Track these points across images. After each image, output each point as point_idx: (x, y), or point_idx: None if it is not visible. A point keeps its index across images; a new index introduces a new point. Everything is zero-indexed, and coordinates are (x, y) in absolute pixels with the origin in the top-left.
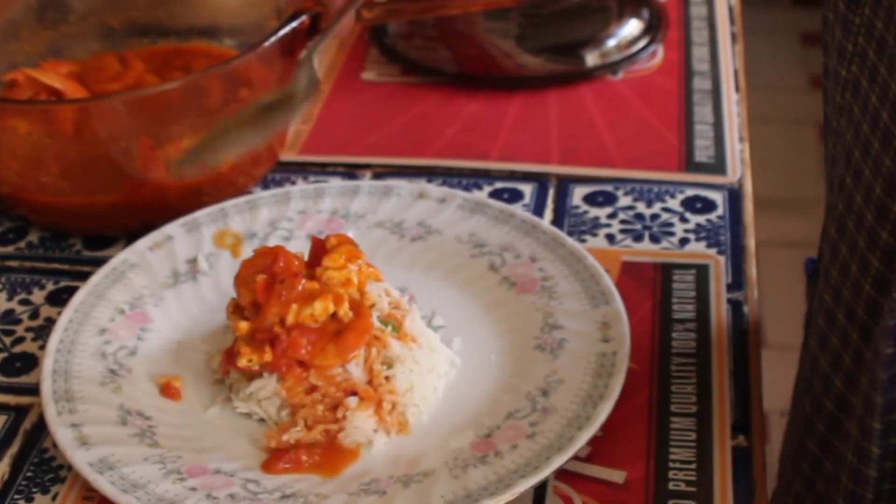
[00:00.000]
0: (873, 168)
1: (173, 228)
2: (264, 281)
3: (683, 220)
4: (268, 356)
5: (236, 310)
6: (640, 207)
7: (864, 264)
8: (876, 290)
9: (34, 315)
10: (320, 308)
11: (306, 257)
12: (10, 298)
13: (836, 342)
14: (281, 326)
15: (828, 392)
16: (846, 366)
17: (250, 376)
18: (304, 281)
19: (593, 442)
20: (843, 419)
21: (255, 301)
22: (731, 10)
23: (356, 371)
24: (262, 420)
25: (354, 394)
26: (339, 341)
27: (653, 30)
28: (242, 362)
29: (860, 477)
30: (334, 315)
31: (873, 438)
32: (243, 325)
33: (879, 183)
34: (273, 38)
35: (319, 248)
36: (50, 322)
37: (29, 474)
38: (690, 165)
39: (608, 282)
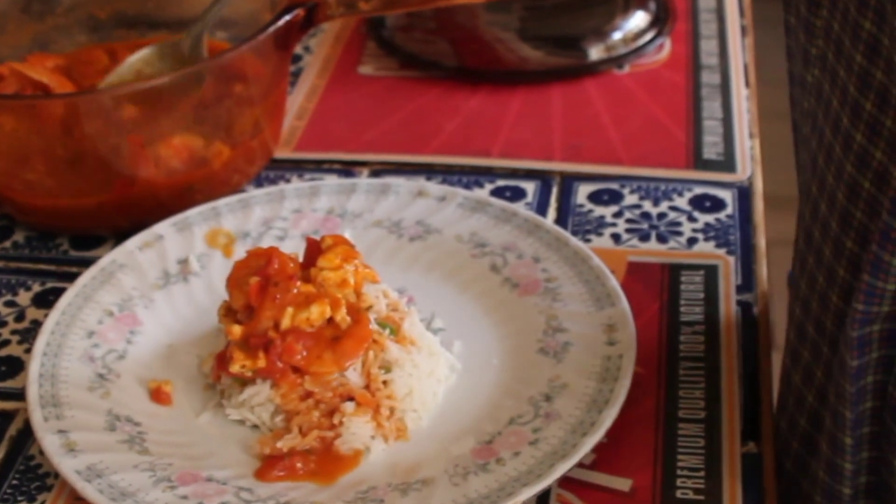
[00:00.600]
0: (836, 174)
1: (164, 228)
2: (258, 283)
3: (692, 219)
4: (261, 362)
5: (228, 313)
6: (647, 206)
7: (831, 274)
8: (842, 300)
9: (20, 317)
10: (317, 312)
11: (301, 258)
12: None
13: (807, 356)
14: (275, 331)
15: (801, 409)
16: (818, 380)
17: (243, 382)
18: (299, 283)
19: (598, 448)
20: (816, 436)
21: (248, 304)
22: (740, 1)
23: (353, 376)
24: (255, 426)
25: (351, 399)
26: (336, 348)
27: (660, 22)
28: (235, 368)
29: (833, 495)
30: (331, 320)
31: (845, 454)
32: (236, 330)
33: (841, 189)
34: (267, 31)
35: (314, 249)
36: (36, 324)
37: (14, 482)
38: (699, 163)
39: (614, 283)
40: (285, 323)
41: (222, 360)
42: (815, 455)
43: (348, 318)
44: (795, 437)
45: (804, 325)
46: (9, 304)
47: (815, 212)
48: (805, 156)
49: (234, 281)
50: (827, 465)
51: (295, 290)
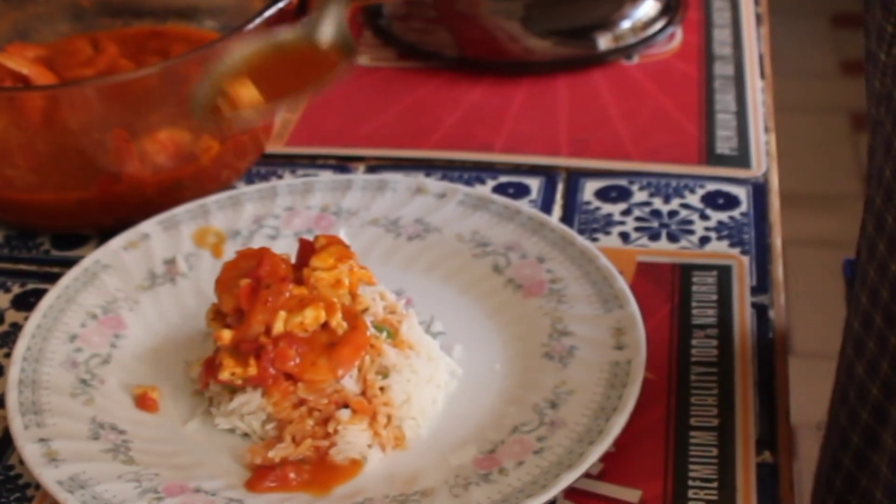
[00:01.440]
0: None
1: (150, 226)
2: (248, 286)
3: (704, 217)
4: (252, 370)
5: (217, 317)
6: (657, 203)
7: None
8: None
9: None
10: (311, 317)
11: (293, 259)
12: None
13: (872, 347)
14: (267, 336)
15: (864, 401)
16: (883, 372)
17: (232, 390)
18: (291, 286)
19: (606, 458)
20: (880, 430)
21: (238, 308)
22: None
23: (349, 382)
24: (245, 435)
25: (347, 406)
26: (332, 355)
27: (670, 11)
28: (224, 375)
29: None
30: (326, 325)
31: None
32: (226, 334)
33: None
34: (258, 20)
35: (307, 250)
36: (16, 328)
37: None
38: (711, 158)
39: (622, 284)
40: (277, 327)
41: (211, 367)
42: (878, 450)
43: (345, 324)
44: (856, 431)
45: (871, 315)
46: None
47: (889, 196)
48: (879, 140)
49: (223, 283)
50: (891, 460)
51: (287, 294)
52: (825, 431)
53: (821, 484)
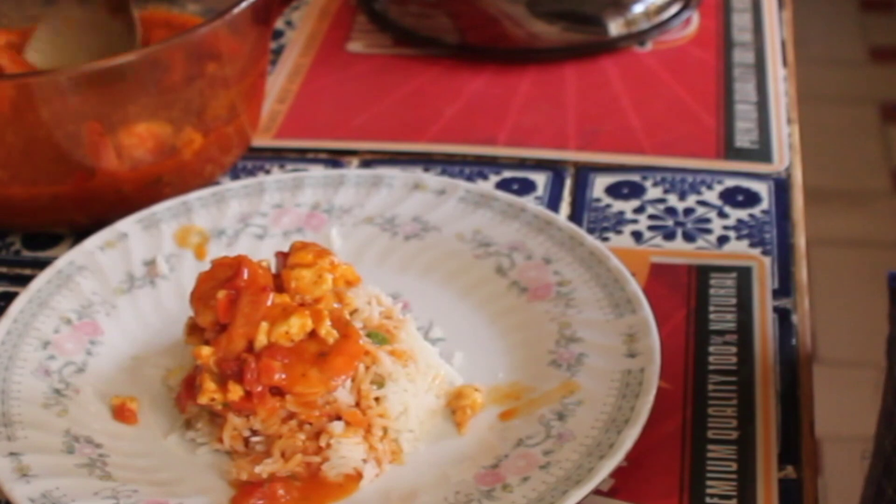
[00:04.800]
0: None
1: (128, 225)
2: (227, 297)
3: (722, 214)
4: (234, 395)
5: (194, 331)
6: (672, 200)
7: None
8: None
9: None
10: (297, 325)
11: (273, 267)
12: None
13: None
14: (249, 352)
15: None
16: None
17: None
18: (272, 295)
19: (617, 473)
20: None
21: (217, 321)
22: None
23: (342, 392)
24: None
25: (339, 418)
26: (323, 366)
27: None
28: (204, 400)
29: None
30: (314, 334)
31: None
32: (205, 352)
33: None
34: (244, 4)
35: (286, 260)
36: None
37: None
38: (730, 152)
39: (634, 287)
40: (261, 340)
41: (190, 388)
42: None
43: (335, 332)
44: None
45: None
46: None
47: None
48: None
49: (200, 296)
50: None
51: (269, 303)
52: (870, 459)
53: None
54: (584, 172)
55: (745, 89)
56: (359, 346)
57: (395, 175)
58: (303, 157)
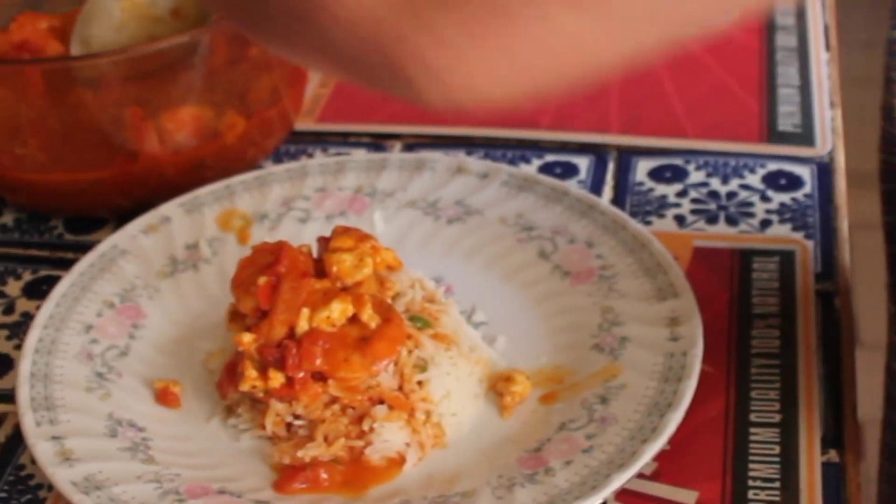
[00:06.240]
0: None
1: (171, 209)
2: (268, 283)
3: (765, 198)
4: (275, 382)
5: (235, 318)
6: (715, 184)
7: None
8: None
9: (9, 310)
10: (338, 310)
11: (314, 252)
12: None
13: None
14: (290, 338)
15: None
16: None
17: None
18: (313, 280)
19: (660, 457)
20: None
21: (258, 308)
22: None
23: (385, 377)
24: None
25: (382, 402)
26: (366, 350)
27: None
28: (245, 387)
29: None
30: (356, 318)
31: None
32: (246, 338)
33: None
34: None
35: (328, 245)
36: (27, 318)
37: (2, 495)
38: (773, 135)
39: (677, 271)
40: (302, 326)
41: (231, 374)
42: None
43: (377, 317)
44: None
45: None
46: None
47: None
48: None
49: (240, 282)
50: None
51: (310, 288)
52: (883, 428)
53: (884, 486)
54: (626, 156)
55: (787, 73)
56: (401, 331)
57: (437, 159)
58: (345, 140)
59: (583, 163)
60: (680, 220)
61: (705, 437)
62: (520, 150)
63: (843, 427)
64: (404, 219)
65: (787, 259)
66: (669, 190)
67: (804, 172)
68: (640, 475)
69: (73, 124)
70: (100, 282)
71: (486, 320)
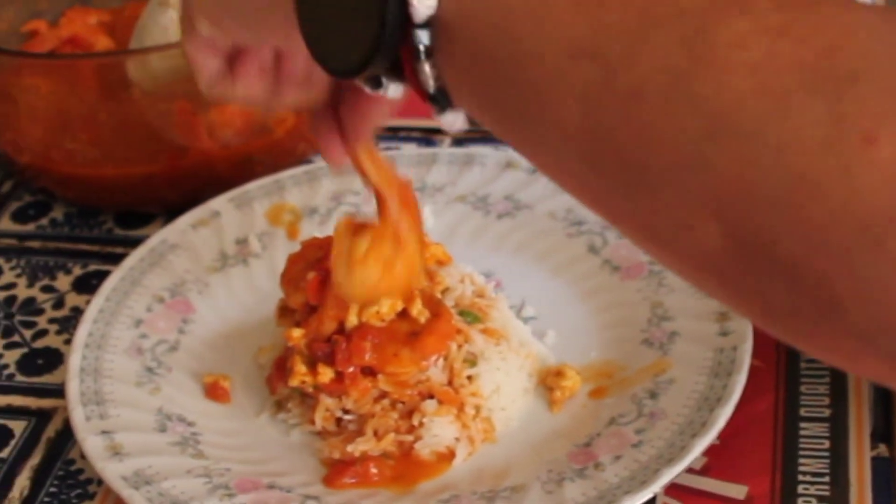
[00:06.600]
0: None
1: (220, 203)
2: (316, 279)
3: None
4: (324, 377)
5: (285, 313)
6: None
7: None
8: None
9: (58, 304)
10: (388, 305)
11: None
12: (30, 285)
13: None
14: (340, 333)
15: None
16: None
17: (304, 391)
18: None
19: (710, 452)
20: None
21: (307, 303)
22: None
23: (434, 371)
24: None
25: (432, 397)
26: (415, 345)
27: None
28: (295, 382)
29: None
30: (405, 313)
31: None
32: (296, 333)
33: None
34: None
35: None
36: (77, 312)
37: (52, 489)
38: None
39: None
40: (351, 321)
41: (281, 369)
42: None
43: (426, 312)
44: None
45: None
46: (46, 289)
47: None
48: None
49: (290, 278)
50: None
51: None
52: None
53: None
54: None
55: None
56: (451, 326)
57: (487, 153)
58: (395, 135)
59: None
60: None
61: (755, 431)
62: None
63: (892, 421)
64: (454, 214)
65: None
66: None
67: None
68: (689, 470)
69: (123, 119)
70: (149, 276)
71: (535, 315)
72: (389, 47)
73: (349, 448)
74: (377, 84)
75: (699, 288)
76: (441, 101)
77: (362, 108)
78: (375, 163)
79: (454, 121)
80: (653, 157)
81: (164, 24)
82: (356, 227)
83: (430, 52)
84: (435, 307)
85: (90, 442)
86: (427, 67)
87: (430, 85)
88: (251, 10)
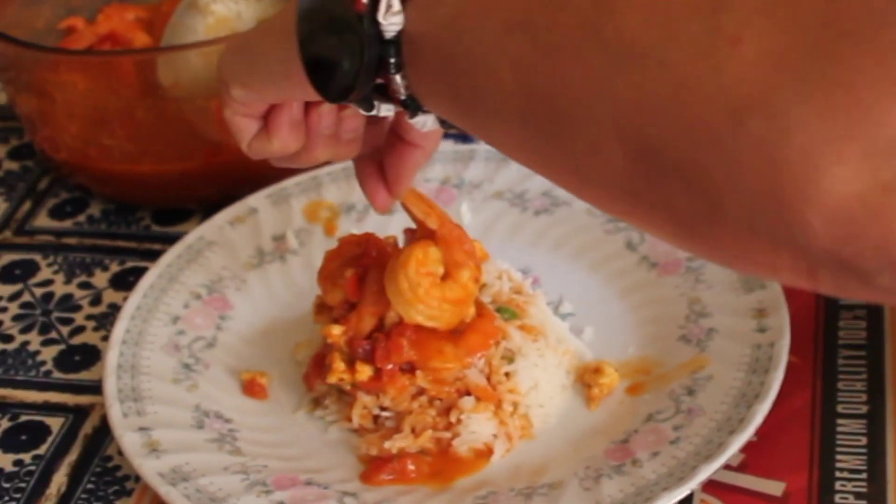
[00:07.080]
0: None
1: (258, 200)
2: (355, 275)
3: None
4: (363, 375)
5: (323, 309)
6: None
7: None
8: None
9: (96, 301)
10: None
11: (401, 243)
12: (68, 281)
13: None
14: (379, 330)
15: None
16: None
17: (342, 388)
18: None
19: (747, 448)
20: None
21: (346, 300)
22: None
23: (472, 368)
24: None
25: (470, 394)
26: (459, 342)
27: None
28: (333, 379)
29: None
30: None
31: None
32: (335, 330)
33: None
34: None
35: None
36: (114, 309)
37: (90, 486)
38: None
39: None
40: (391, 317)
41: (319, 366)
42: None
43: (473, 311)
44: None
45: None
46: (84, 285)
47: None
48: None
49: (327, 275)
50: None
51: None
52: None
53: None
54: None
55: None
56: (494, 325)
57: None
58: None
59: None
60: None
61: (792, 428)
62: None
63: None
64: (491, 210)
65: None
66: None
67: None
68: (727, 466)
69: (160, 115)
70: (187, 273)
71: (573, 311)
72: (371, 65)
73: (386, 445)
74: (369, 106)
75: (623, 217)
76: (411, 105)
77: (404, 154)
78: (425, 204)
79: (424, 122)
80: (572, 101)
81: (193, 27)
82: (421, 257)
83: (399, 65)
84: (478, 306)
85: (127, 438)
86: (398, 78)
87: (402, 93)
88: (273, 66)
